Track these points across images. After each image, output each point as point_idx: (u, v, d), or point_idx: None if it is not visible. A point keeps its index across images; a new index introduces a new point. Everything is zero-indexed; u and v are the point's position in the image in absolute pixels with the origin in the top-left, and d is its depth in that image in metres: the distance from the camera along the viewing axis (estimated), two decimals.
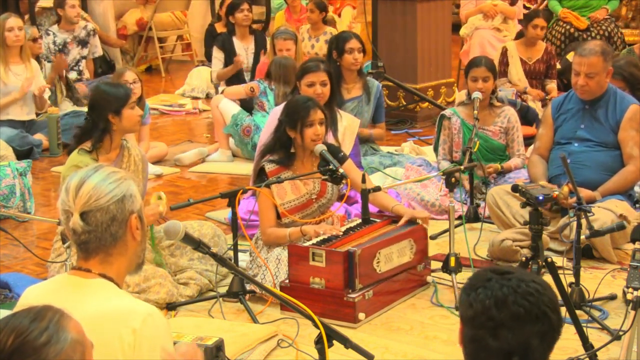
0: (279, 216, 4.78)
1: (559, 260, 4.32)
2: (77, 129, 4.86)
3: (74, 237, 2.47)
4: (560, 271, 3.96)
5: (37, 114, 8.03)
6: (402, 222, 4.80)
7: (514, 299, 2.01)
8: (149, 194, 5.25)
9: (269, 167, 4.80)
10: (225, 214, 5.86)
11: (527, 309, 2.00)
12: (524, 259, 3.98)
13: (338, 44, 6.82)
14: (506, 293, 2.02)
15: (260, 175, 4.80)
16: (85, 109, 8.19)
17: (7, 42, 7.71)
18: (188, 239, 2.95)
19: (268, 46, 8.11)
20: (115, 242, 2.46)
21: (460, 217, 5.06)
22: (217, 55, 8.62)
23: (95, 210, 2.43)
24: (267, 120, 6.05)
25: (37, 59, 8.43)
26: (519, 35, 8.61)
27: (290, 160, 4.81)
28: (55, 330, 1.93)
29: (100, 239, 2.45)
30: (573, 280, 4.36)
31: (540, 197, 3.94)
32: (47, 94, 7.98)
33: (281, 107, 5.89)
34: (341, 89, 6.71)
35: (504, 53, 8.12)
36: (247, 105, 7.49)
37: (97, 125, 4.68)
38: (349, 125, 5.77)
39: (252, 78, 8.20)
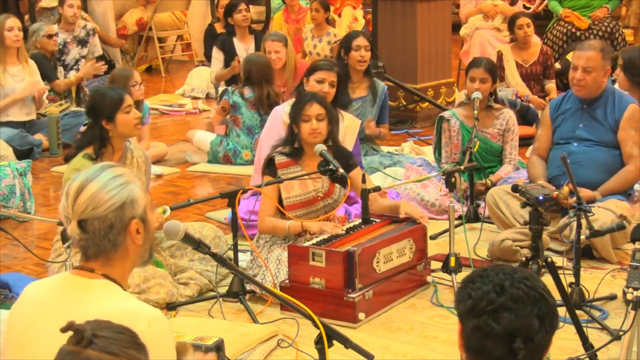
0: (282, 214, 4.79)
1: (559, 260, 4.31)
2: (80, 135, 4.80)
3: (73, 240, 2.47)
4: (560, 271, 3.95)
5: (38, 114, 8.04)
6: (401, 215, 4.81)
7: (512, 283, 2.07)
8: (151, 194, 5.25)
9: (279, 159, 4.84)
10: (225, 214, 5.86)
11: (525, 292, 2.05)
12: (524, 259, 3.97)
13: (346, 41, 6.81)
14: (503, 278, 2.08)
15: (268, 166, 4.83)
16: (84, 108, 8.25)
17: (6, 42, 7.71)
18: (188, 238, 2.95)
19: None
20: (116, 247, 2.45)
21: (460, 217, 5.06)
22: (217, 55, 8.60)
23: (93, 219, 2.41)
24: (268, 120, 6.04)
25: (52, 56, 8.45)
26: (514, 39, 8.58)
27: (299, 155, 4.85)
28: None
29: (99, 246, 2.44)
30: (573, 280, 4.35)
31: (540, 197, 3.94)
32: (45, 94, 7.98)
33: (282, 106, 5.91)
34: (347, 89, 6.68)
35: (500, 57, 8.10)
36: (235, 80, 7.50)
37: (94, 132, 4.62)
38: (349, 125, 5.77)
39: None
